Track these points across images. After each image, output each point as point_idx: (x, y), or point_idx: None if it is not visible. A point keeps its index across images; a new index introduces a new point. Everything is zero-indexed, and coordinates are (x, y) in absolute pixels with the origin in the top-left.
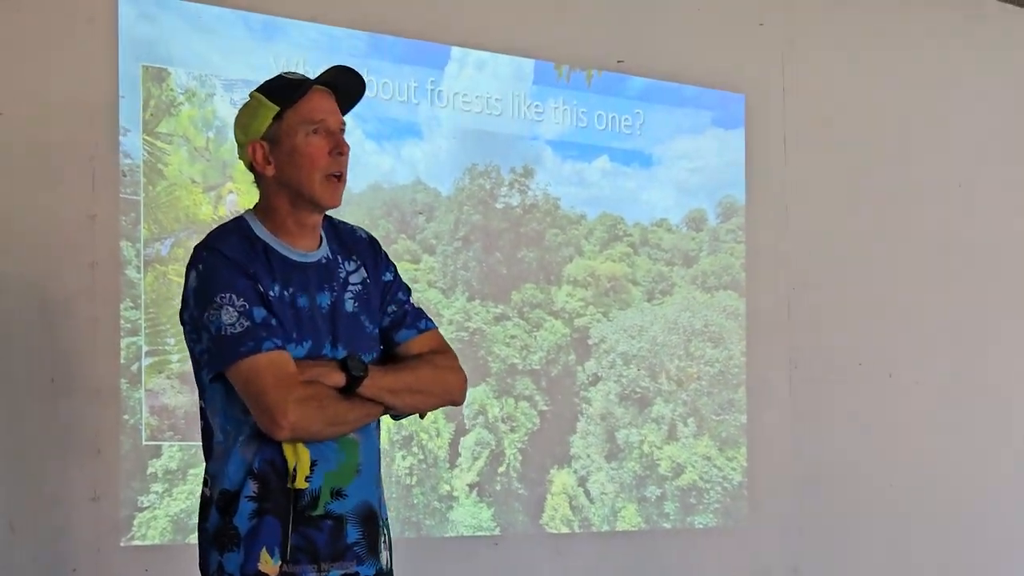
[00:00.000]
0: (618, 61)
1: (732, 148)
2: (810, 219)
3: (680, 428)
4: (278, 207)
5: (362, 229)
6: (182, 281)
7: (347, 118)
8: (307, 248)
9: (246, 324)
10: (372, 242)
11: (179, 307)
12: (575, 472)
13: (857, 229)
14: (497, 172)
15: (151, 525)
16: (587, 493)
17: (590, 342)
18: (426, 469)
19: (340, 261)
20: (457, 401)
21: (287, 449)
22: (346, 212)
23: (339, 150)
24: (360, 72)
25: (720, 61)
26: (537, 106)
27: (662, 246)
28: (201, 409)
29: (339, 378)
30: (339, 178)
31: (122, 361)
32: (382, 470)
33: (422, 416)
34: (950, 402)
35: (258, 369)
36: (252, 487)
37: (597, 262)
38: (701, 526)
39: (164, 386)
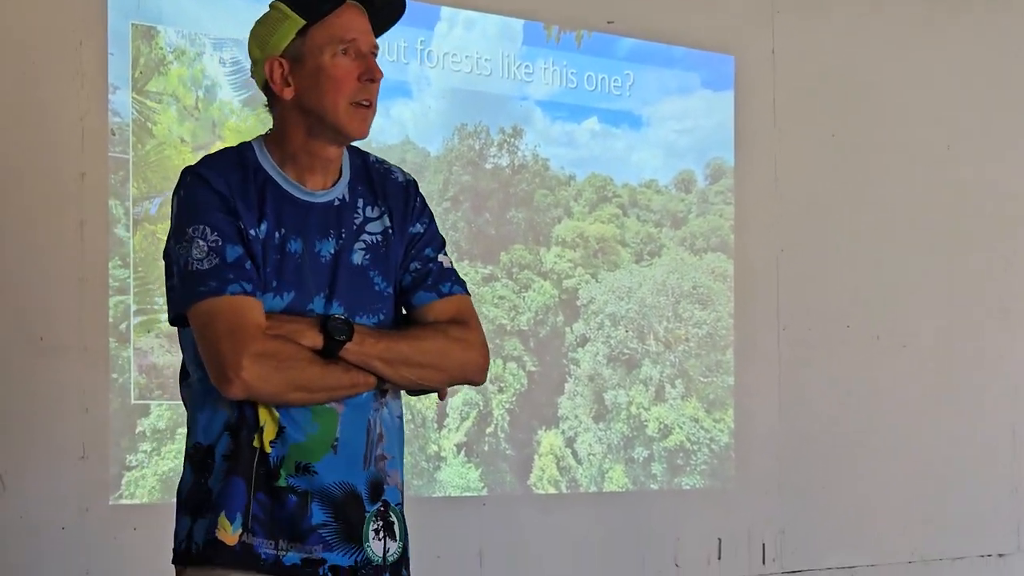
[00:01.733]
0: (608, 22)
1: (721, 110)
2: (799, 181)
3: (668, 390)
4: (292, 136)
5: (402, 171)
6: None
7: None
8: (319, 186)
9: (214, 262)
10: (409, 187)
11: None
12: (563, 433)
13: (846, 192)
14: (486, 132)
15: (139, 484)
16: (575, 454)
17: (579, 303)
18: (414, 429)
19: (360, 205)
20: (475, 380)
21: (262, 406)
22: None
23: (371, 76)
24: None
25: (710, 22)
26: (527, 67)
27: (651, 207)
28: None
29: (315, 338)
30: (368, 106)
31: (111, 320)
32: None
33: (441, 397)
34: (937, 365)
35: (216, 314)
36: (228, 443)
37: (586, 223)
38: (688, 487)
39: (152, 345)
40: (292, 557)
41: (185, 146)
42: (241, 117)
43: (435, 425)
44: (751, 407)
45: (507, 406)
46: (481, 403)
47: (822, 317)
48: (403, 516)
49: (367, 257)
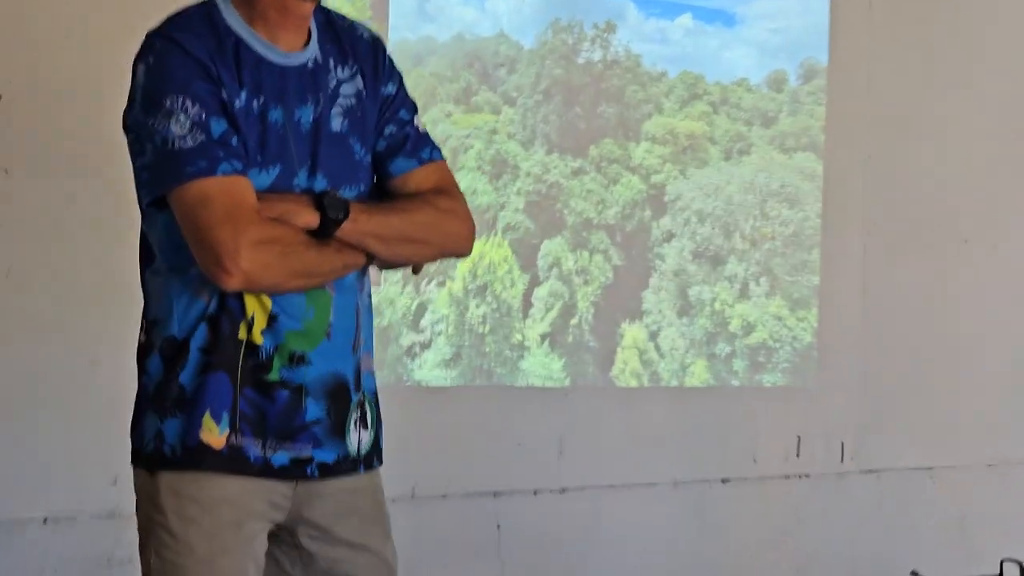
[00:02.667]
0: None
1: (816, 9)
2: (892, 83)
3: (752, 287)
4: None
5: (365, 27)
6: None
7: None
8: (291, 47)
9: (200, 138)
10: (376, 44)
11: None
12: (646, 327)
13: (940, 93)
14: (580, 27)
15: None
16: (657, 348)
17: (666, 199)
18: (499, 318)
19: (332, 65)
20: (462, 253)
21: (249, 293)
22: (430, 61)
23: None
24: None
25: None
26: None
27: (742, 106)
28: (142, 234)
29: (312, 218)
30: None
31: None
32: (373, 332)
33: (415, 271)
34: None
35: (207, 197)
36: (205, 335)
37: (676, 120)
38: (769, 384)
39: None
40: (281, 458)
41: None
42: (335, 5)
43: (520, 315)
44: (835, 307)
45: (592, 299)
46: (566, 295)
47: (910, 219)
48: (377, 405)
49: (345, 123)
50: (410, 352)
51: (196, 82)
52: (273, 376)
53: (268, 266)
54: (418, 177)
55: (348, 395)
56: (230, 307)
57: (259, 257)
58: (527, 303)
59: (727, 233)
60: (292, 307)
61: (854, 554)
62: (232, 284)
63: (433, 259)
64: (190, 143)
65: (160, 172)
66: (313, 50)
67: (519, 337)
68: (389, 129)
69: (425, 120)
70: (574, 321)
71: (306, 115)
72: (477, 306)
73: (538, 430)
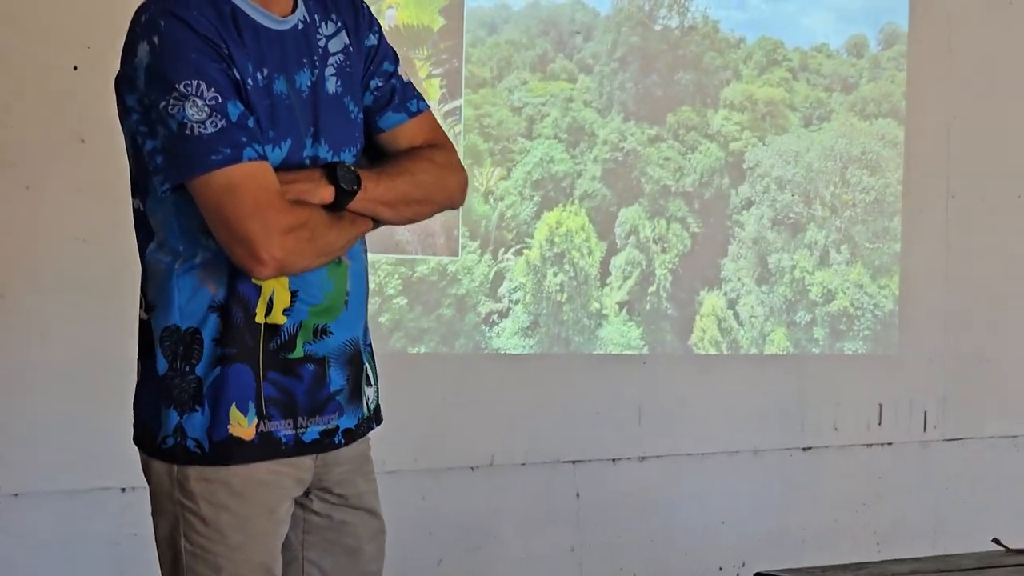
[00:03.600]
0: None
1: None
2: (974, 49)
3: (832, 254)
4: None
5: None
6: None
7: None
8: (283, 10)
9: (220, 123)
10: None
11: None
12: (725, 295)
13: (1022, 60)
14: None
15: None
16: (736, 316)
17: (745, 166)
18: (576, 286)
19: (318, 24)
20: (458, 205)
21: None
22: (505, 29)
23: None
24: None
25: None
26: None
27: (821, 72)
28: (138, 211)
29: (327, 193)
30: None
31: None
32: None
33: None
34: None
35: (235, 186)
36: (216, 325)
37: (755, 86)
38: (850, 352)
39: None
40: (312, 432)
41: None
42: None
43: (598, 283)
44: (917, 274)
45: (670, 266)
46: (644, 262)
47: (992, 187)
48: (374, 359)
49: (339, 83)
50: (488, 320)
51: (209, 64)
52: (297, 353)
53: (300, 252)
54: (409, 130)
55: (361, 358)
56: (241, 293)
57: (290, 244)
58: (604, 271)
59: (807, 200)
60: (313, 282)
61: (937, 522)
62: (266, 273)
63: (431, 215)
64: (210, 128)
65: (180, 158)
66: (301, 10)
67: (597, 305)
68: (375, 83)
69: (500, 87)
70: (652, 289)
71: (304, 80)
72: (555, 274)
73: (616, 398)
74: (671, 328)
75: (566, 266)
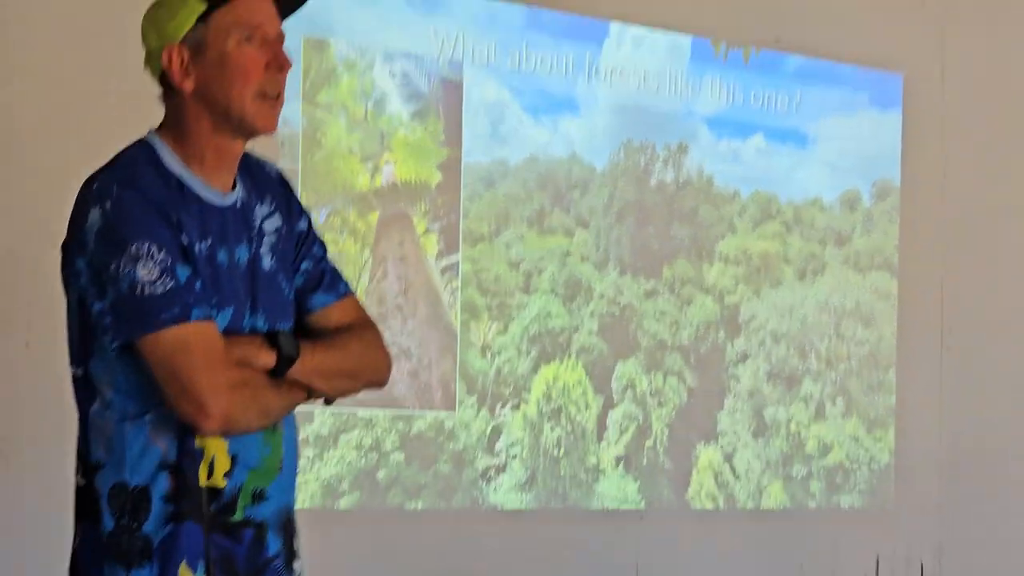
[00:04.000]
0: (775, 39)
1: (888, 128)
2: (966, 201)
3: (828, 408)
4: (195, 131)
5: (271, 164)
6: (337, 249)
7: (505, 91)
8: (224, 187)
9: (169, 284)
10: (283, 181)
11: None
12: (721, 448)
13: (1015, 212)
14: (652, 148)
15: (302, 489)
16: (733, 469)
17: (740, 319)
18: (574, 441)
19: (254, 203)
20: (383, 383)
21: (202, 437)
22: (502, 183)
23: (279, 64)
24: None
25: (878, 40)
26: (694, 83)
27: (815, 225)
28: (79, 377)
29: (269, 358)
30: (276, 98)
31: None
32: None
33: (329, 402)
34: None
35: (186, 344)
36: (168, 483)
37: (750, 240)
38: (847, 506)
39: None
40: None
41: (353, 156)
42: (410, 129)
43: (595, 437)
44: (912, 426)
45: (666, 420)
46: (640, 417)
47: (987, 337)
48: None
49: (273, 261)
50: (485, 475)
51: (159, 228)
52: (238, 516)
53: (244, 409)
54: (338, 311)
55: (293, 524)
56: (190, 452)
57: (236, 401)
58: (602, 425)
59: (802, 353)
60: (252, 445)
61: None
62: (211, 427)
63: (359, 391)
64: (160, 289)
65: (131, 316)
66: (240, 189)
67: (594, 460)
68: (305, 265)
69: (498, 242)
70: (649, 443)
71: (243, 255)
72: (552, 429)
73: (614, 554)
74: (668, 482)
75: (563, 421)
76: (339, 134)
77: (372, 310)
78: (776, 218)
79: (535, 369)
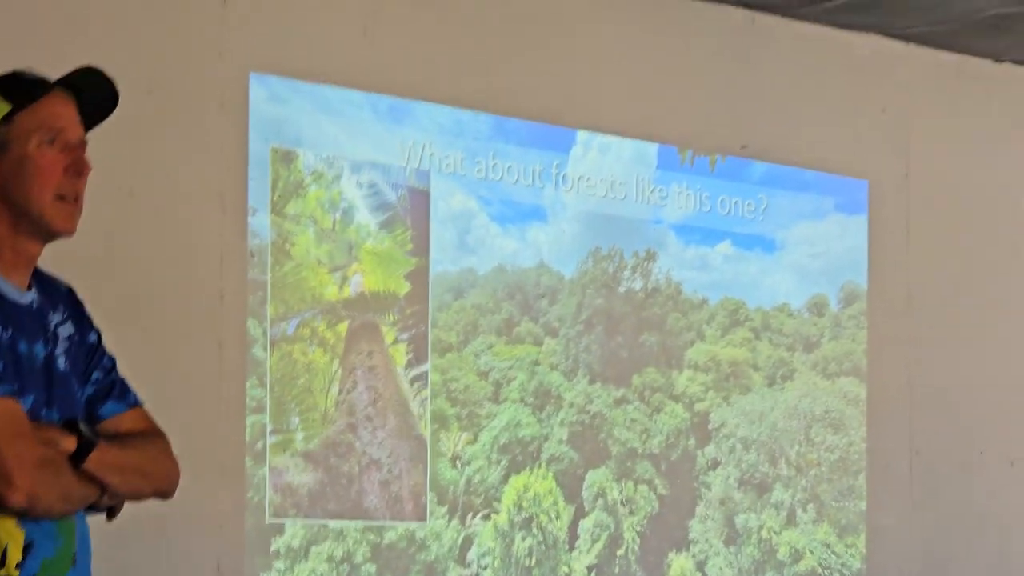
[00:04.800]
0: (741, 146)
1: (855, 233)
2: (933, 306)
3: (799, 514)
4: None
5: (61, 279)
6: (306, 360)
7: (472, 200)
8: (21, 285)
9: None
10: (72, 295)
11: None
12: (693, 556)
13: (981, 318)
14: (620, 256)
15: None
16: None
17: (710, 427)
18: (545, 551)
19: (48, 308)
20: (171, 494)
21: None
22: (471, 293)
23: (78, 169)
24: (113, 82)
25: (843, 146)
26: (661, 190)
27: (784, 331)
28: None
29: (70, 443)
30: (75, 201)
31: (247, 439)
32: None
33: (112, 516)
34: None
35: None
36: None
37: (718, 347)
38: None
39: (288, 464)
40: None
41: (322, 267)
42: (378, 239)
43: (566, 547)
44: (883, 533)
45: (638, 528)
46: (612, 525)
47: (956, 442)
48: None
49: (67, 363)
50: None
51: None
52: None
53: (48, 487)
54: (128, 420)
55: None
56: None
57: (42, 477)
58: (573, 535)
59: (772, 460)
60: (47, 533)
61: None
62: (18, 500)
63: (148, 496)
64: None
65: None
66: (34, 291)
67: (566, 569)
68: (97, 375)
69: (467, 352)
70: (620, 552)
71: (40, 352)
72: (523, 539)
73: None
74: None
75: (534, 530)
76: (308, 245)
77: (342, 421)
78: (744, 324)
79: (505, 479)
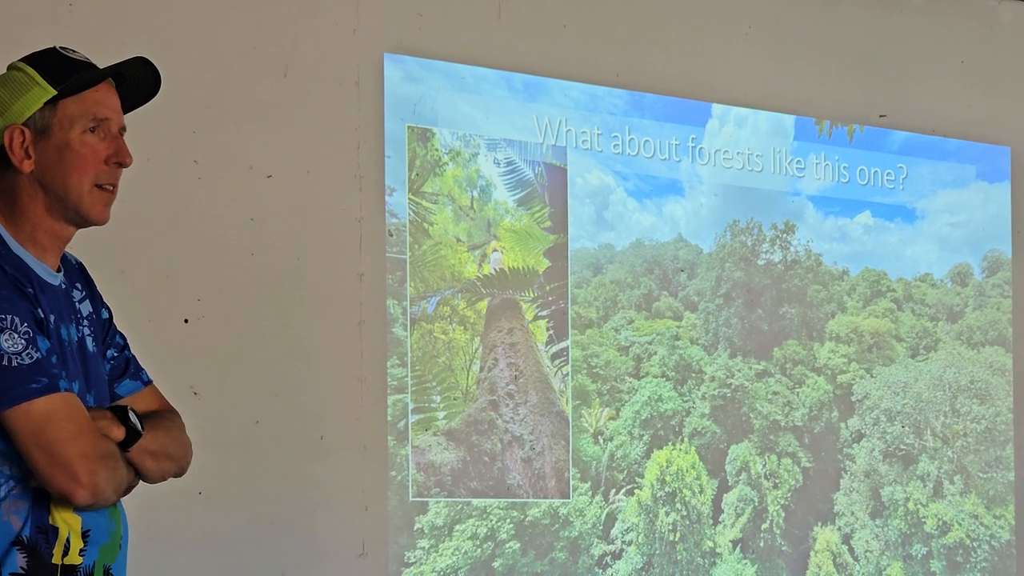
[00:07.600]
0: (880, 115)
1: (997, 201)
2: None
3: (946, 486)
4: (30, 212)
5: (70, 253)
6: (447, 338)
7: (610, 176)
8: (53, 266)
9: (35, 355)
10: (83, 270)
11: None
12: (839, 529)
13: None
14: (759, 228)
15: None
16: (851, 551)
17: (853, 399)
18: (689, 525)
19: (70, 288)
20: (185, 470)
21: (57, 514)
22: (609, 269)
23: (120, 160)
24: (158, 75)
25: (984, 113)
26: (798, 162)
27: (926, 301)
28: None
29: (120, 432)
30: (112, 191)
31: (389, 419)
32: None
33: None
34: None
35: (55, 415)
36: (20, 561)
37: (860, 318)
38: None
39: (430, 443)
40: None
41: (461, 245)
42: (516, 217)
43: (710, 521)
44: None
45: (782, 502)
46: (756, 499)
47: None
48: None
49: (94, 343)
50: (601, 562)
51: (19, 301)
52: None
53: (109, 481)
54: (144, 398)
55: None
56: (45, 530)
57: (106, 472)
58: (717, 509)
59: (918, 431)
60: (101, 523)
61: None
62: (83, 498)
63: (177, 475)
64: (27, 360)
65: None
66: (62, 272)
67: (710, 544)
68: (111, 352)
69: (607, 327)
70: (765, 526)
71: (74, 334)
72: (667, 514)
73: None
74: (786, 565)
75: (678, 505)
76: (446, 223)
77: (483, 398)
78: (887, 295)
79: (648, 454)
